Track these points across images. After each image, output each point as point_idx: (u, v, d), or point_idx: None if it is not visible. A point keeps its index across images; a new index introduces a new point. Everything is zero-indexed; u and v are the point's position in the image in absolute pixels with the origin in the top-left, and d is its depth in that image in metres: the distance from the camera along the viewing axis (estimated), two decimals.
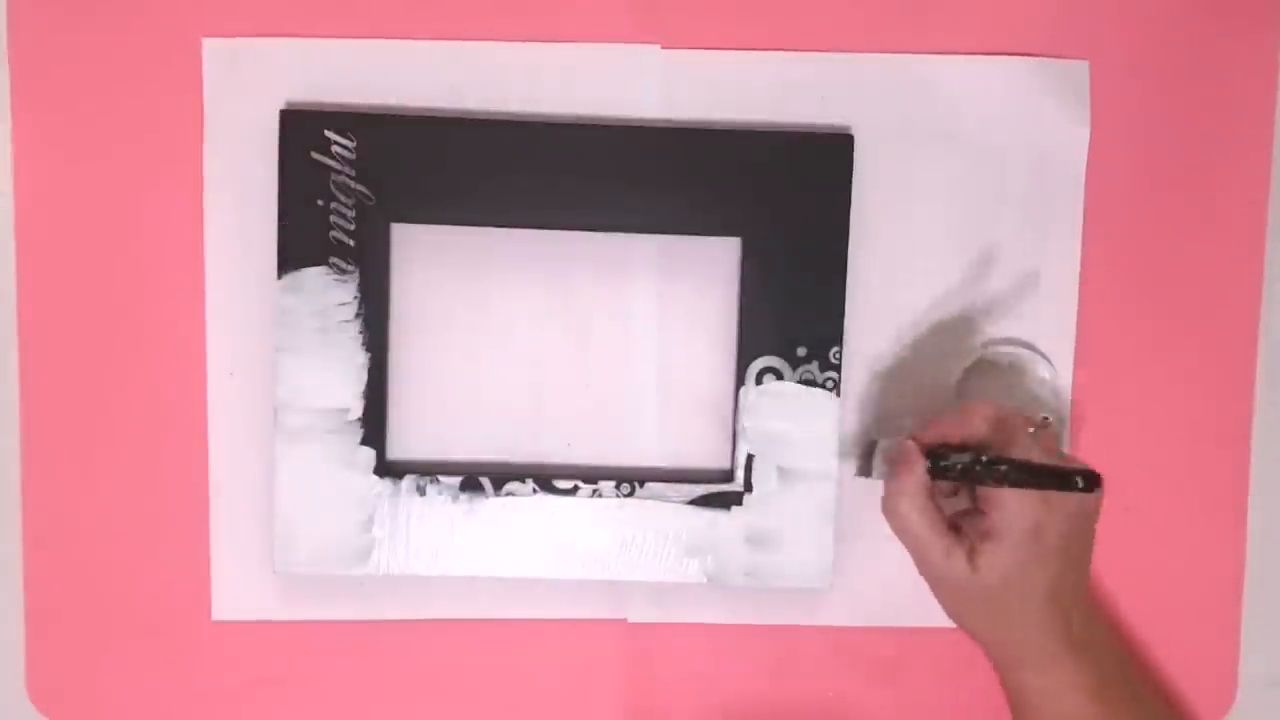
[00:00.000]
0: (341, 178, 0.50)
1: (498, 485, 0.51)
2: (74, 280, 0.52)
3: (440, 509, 0.51)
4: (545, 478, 0.52)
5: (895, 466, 0.48)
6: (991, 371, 0.53)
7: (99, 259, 0.52)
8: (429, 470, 0.52)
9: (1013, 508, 0.46)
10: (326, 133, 0.50)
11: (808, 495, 0.52)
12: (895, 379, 0.53)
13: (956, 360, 0.53)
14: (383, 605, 0.53)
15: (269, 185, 0.50)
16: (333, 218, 0.50)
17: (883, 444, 0.51)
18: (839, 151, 0.51)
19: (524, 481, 0.51)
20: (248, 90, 0.51)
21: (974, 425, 0.48)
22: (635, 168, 0.51)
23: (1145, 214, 0.54)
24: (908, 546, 0.48)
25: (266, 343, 0.51)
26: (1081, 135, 0.53)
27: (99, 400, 0.52)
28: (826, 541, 0.52)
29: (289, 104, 0.51)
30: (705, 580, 0.52)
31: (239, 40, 0.51)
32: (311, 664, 0.53)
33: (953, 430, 0.48)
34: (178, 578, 0.53)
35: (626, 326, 0.53)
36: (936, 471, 0.47)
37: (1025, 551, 0.46)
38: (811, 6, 0.52)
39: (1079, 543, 0.48)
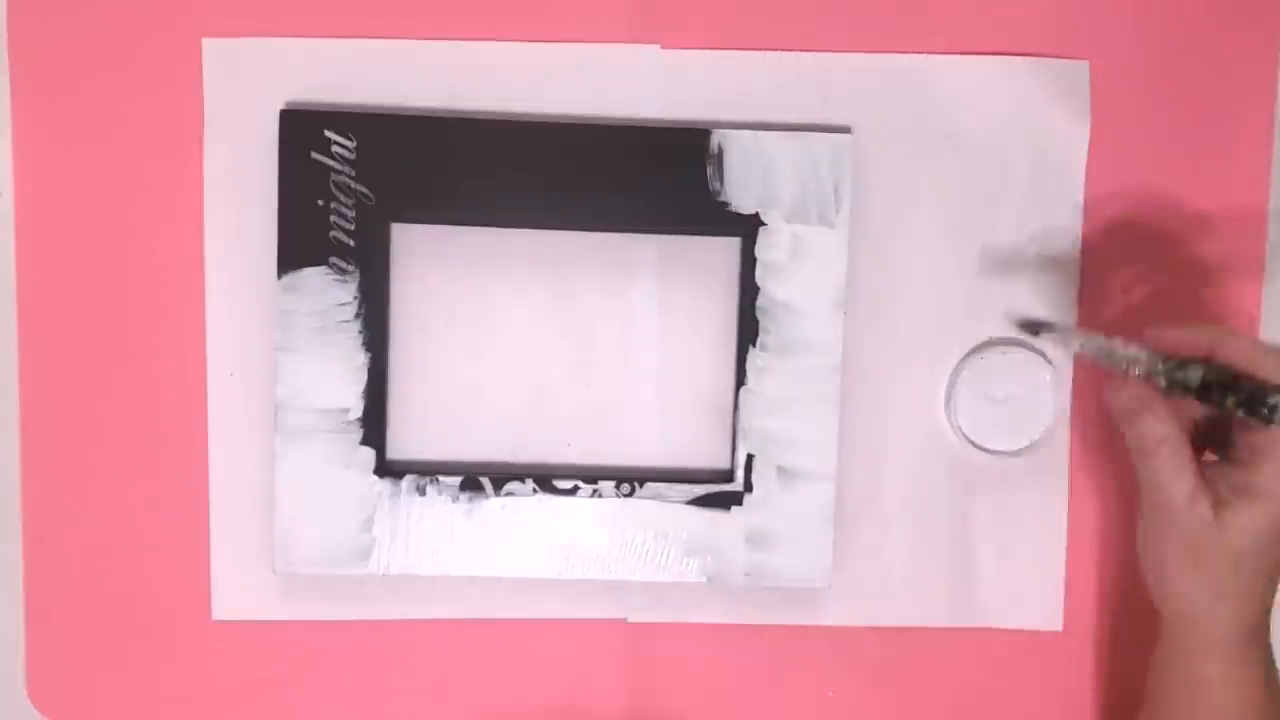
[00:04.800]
0: (341, 178, 0.50)
1: (498, 485, 0.51)
2: (74, 280, 0.52)
3: (440, 509, 0.51)
4: (545, 478, 0.52)
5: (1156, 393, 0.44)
6: (990, 371, 0.53)
7: (99, 259, 0.52)
8: (429, 470, 0.52)
9: None
10: (326, 133, 0.50)
11: (808, 495, 0.52)
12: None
13: (956, 359, 0.53)
14: (383, 605, 0.53)
15: (269, 185, 0.50)
16: (333, 218, 0.50)
17: (1080, 340, 0.47)
18: (839, 151, 0.51)
19: (524, 481, 0.51)
20: (248, 90, 0.51)
21: (1229, 352, 0.43)
22: (635, 168, 0.51)
23: (1145, 214, 0.54)
24: (1143, 475, 0.45)
25: (266, 343, 0.51)
26: (1081, 135, 0.53)
27: (99, 400, 0.52)
28: (826, 541, 0.52)
29: (289, 104, 0.51)
30: (705, 580, 0.52)
31: (239, 40, 0.51)
32: (311, 664, 0.53)
33: (1195, 348, 0.43)
34: (178, 578, 0.53)
35: (626, 326, 0.53)
36: (1193, 392, 0.43)
37: None
38: (811, 6, 0.52)
39: None
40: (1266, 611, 0.45)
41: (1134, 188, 0.54)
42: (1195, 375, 0.44)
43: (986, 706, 0.55)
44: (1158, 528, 0.45)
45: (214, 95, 0.51)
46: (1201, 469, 0.44)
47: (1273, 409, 0.41)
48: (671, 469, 0.53)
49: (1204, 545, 0.43)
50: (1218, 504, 0.43)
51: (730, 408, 0.52)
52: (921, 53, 0.52)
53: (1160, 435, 0.44)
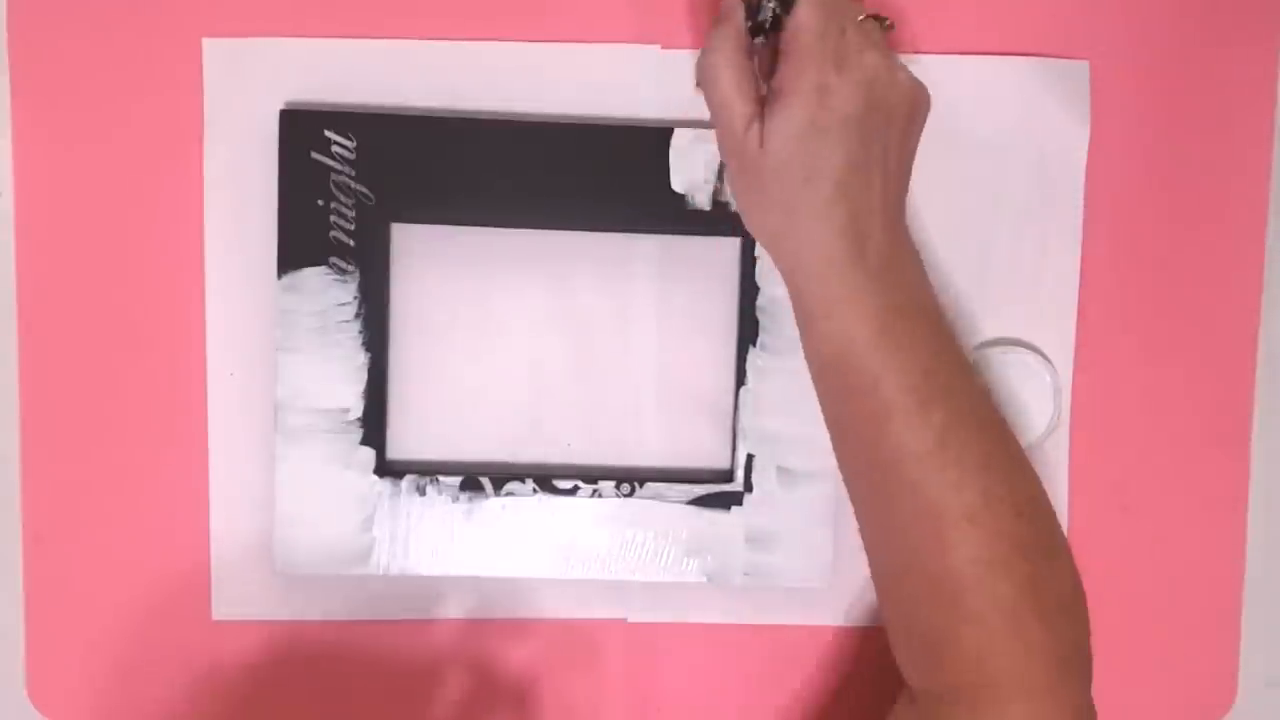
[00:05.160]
0: (341, 178, 0.50)
1: (498, 485, 0.51)
2: (74, 280, 0.52)
3: (440, 509, 0.51)
4: (545, 478, 0.52)
5: (714, 25, 0.44)
6: (990, 372, 0.53)
7: (99, 259, 0.52)
8: (429, 470, 0.52)
9: (798, 61, 0.42)
10: (326, 133, 0.50)
11: (808, 495, 0.52)
12: None
13: None
14: (383, 605, 0.53)
15: (269, 185, 0.50)
16: (333, 218, 0.50)
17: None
18: None
19: (524, 481, 0.51)
20: (248, 90, 0.51)
21: None
22: (635, 168, 0.51)
23: (1145, 214, 0.54)
24: (716, 120, 0.44)
25: (266, 343, 0.51)
26: (1081, 135, 0.53)
27: (99, 400, 0.52)
28: (826, 541, 0.52)
29: (289, 104, 0.51)
30: (705, 580, 0.52)
31: (239, 40, 0.51)
32: (311, 664, 0.53)
33: None
34: (178, 578, 0.53)
35: (626, 326, 0.53)
36: (755, 29, 0.44)
37: (809, 116, 0.42)
38: None
39: (883, 133, 0.43)
40: (863, 240, 0.43)
41: (1134, 188, 0.54)
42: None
43: None
44: (733, 169, 0.45)
45: (214, 95, 0.51)
46: (762, 103, 0.44)
47: None
48: (671, 469, 0.53)
49: (757, 168, 0.43)
50: (762, 124, 0.43)
51: (730, 408, 0.52)
52: (922, 53, 0.52)
53: (723, 64, 0.43)
